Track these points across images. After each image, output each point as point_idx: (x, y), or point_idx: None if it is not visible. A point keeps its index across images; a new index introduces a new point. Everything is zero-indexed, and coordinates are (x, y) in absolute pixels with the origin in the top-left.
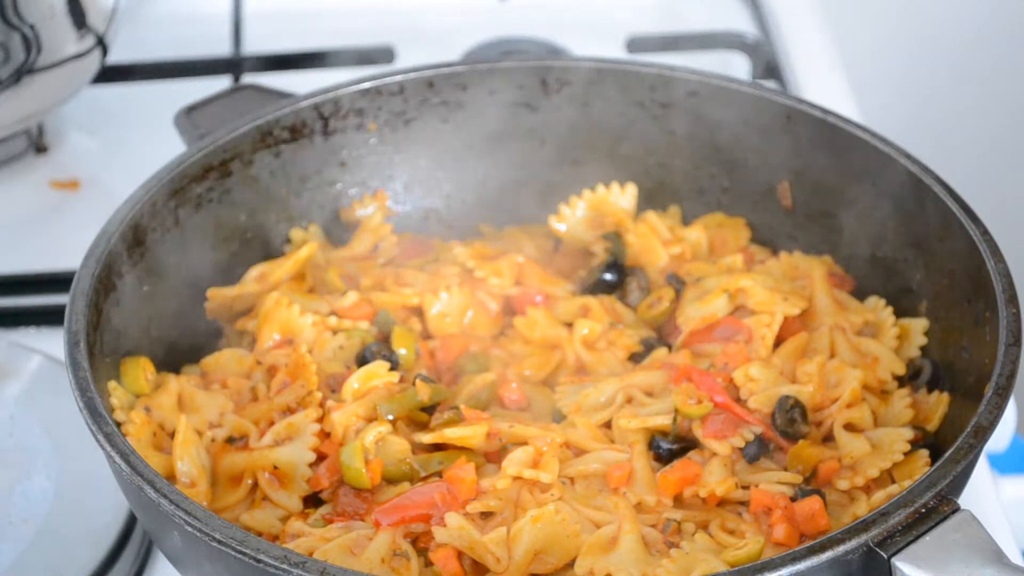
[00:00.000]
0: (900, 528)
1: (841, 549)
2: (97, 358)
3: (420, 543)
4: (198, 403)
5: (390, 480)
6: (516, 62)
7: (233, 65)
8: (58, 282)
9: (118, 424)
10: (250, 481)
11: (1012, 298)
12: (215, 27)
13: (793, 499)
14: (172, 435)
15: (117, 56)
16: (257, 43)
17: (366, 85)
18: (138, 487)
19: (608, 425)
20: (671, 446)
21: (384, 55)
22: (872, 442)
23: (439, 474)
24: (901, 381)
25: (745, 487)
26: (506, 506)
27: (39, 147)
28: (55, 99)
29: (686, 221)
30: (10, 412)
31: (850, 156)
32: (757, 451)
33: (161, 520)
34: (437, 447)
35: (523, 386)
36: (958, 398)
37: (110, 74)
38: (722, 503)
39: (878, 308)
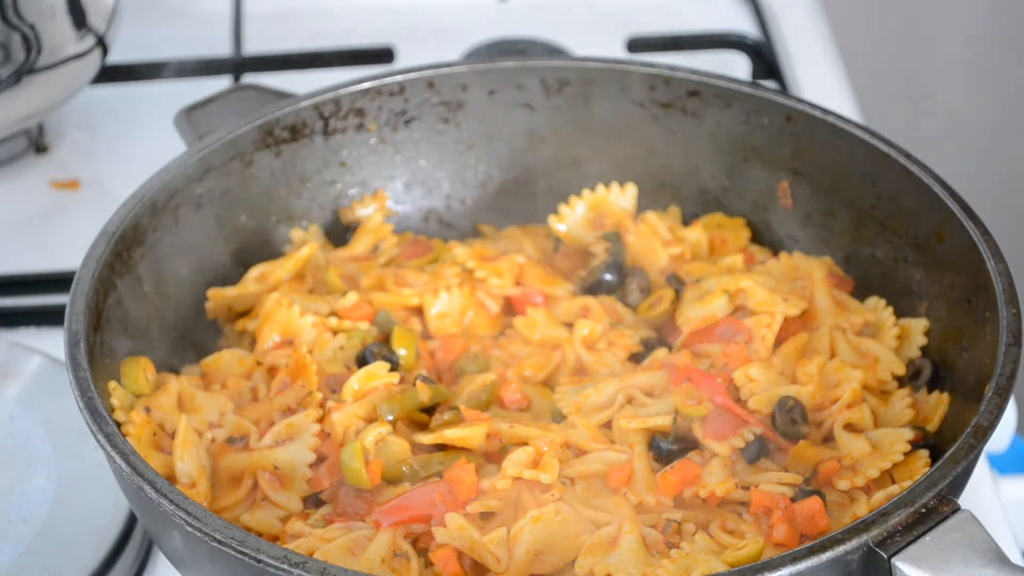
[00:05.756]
0: (900, 528)
1: (841, 549)
2: (97, 358)
3: (420, 543)
4: (198, 403)
5: (390, 480)
6: (516, 62)
7: (233, 65)
8: (58, 282)
9: (118, 424)
10: (250, 481)
11: (1012, 298)
12: (215, 27)
13: (793, 500)
14: (172, 435)
15: (117, 56)
16: (257, 43)
17: (366, 85)
18: (138, 487)
19: (608, 425)
20: (671, 446)
21: (384, 55)
22: (872, 442)
23: (439, 475)
24: (901, 381)
25: (745, 487)
26: (506, 506)
27: (39, 147)
28: (55, 99)
29: (686, 221)
30: (10, 412)
31: (850, 156)
32: (757, 452)
33: (161, 520)
34: (437, 447)
35: (523, 386)
36: (958, 398)
37: (110, 74)
38: (722, 503)
39: (878, 308)
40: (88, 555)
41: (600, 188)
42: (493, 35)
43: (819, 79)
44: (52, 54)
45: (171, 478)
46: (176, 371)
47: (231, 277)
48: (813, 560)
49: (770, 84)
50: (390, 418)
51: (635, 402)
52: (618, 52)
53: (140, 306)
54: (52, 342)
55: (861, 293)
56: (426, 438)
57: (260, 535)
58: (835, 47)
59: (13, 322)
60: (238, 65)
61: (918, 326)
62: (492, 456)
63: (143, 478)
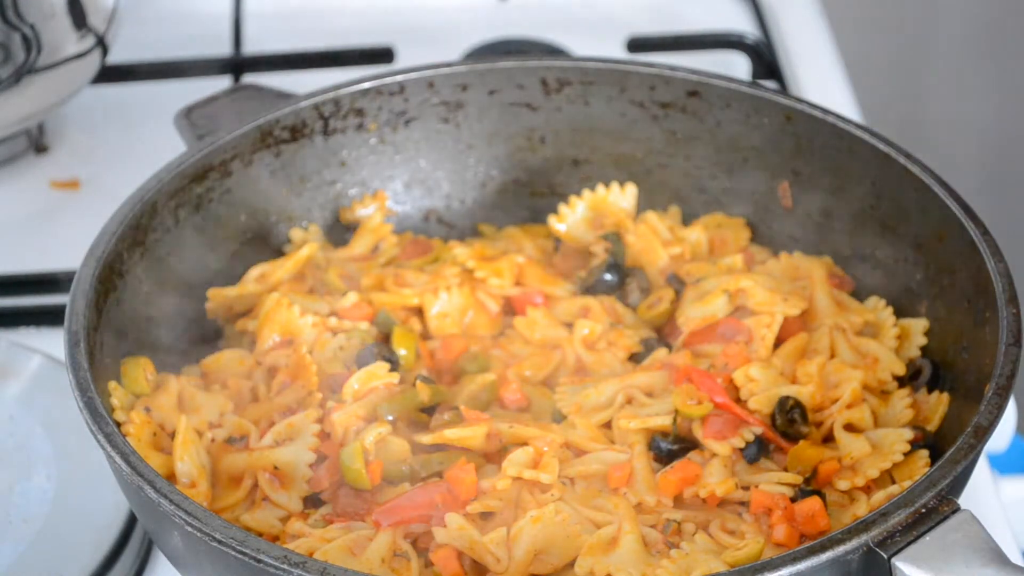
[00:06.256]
0: (900, 528)
1: (841, 549)
2: (97, 358)
3: (420, 543)
4: (198, 403)
5: (390, 481)
6: (516, 62)
7: (233, 65)
8: (58, 282)
9: (118, 424)
10: (250, 481)
11: (1012, 298)
12: (215, 27)
13: (793, 500)
14: (172, 435)
15: (117, 56)
16: (257, 43)
17: (366, 85)
18: (138, 487)
19: (608, 425)
20: (671, 446)
21: (384, 55)
22: (872, 442)
23: (439, 475)
24: (901, 381)
25: (745, 488)
26: (506, 506)
27: (39, 147)
28: (55, 99)
29: (686, 221)
30: (10, 412)
31: (850, 156)
32: (757, 452)
33: (161, 520)
34: (437, 447)
35: (523, 386)
36: (958, 398)
37: (110, 74)
38: (722, 503)
39: (878, 308)
40: (88, 555)
41: (600, 188)
42: (493, 35)
43: (819, 79)
44: (52, 54)
45: (171, 478)
46: (176, 371)
47: (231, 277)
48: (813, 560)
49: (770, 84)
50: (390, 418)
51: (635, 402)
52: (618, 52)
53: (140, 306)
54: (52, 342)
55: (861, 293)
56: (426, 438)
57: (260, 535)
58: (835, 47)
59: (13, 322)
60: (238, 65)
61: (918, 326)
62: (492, 456)
63: (143, 478)
